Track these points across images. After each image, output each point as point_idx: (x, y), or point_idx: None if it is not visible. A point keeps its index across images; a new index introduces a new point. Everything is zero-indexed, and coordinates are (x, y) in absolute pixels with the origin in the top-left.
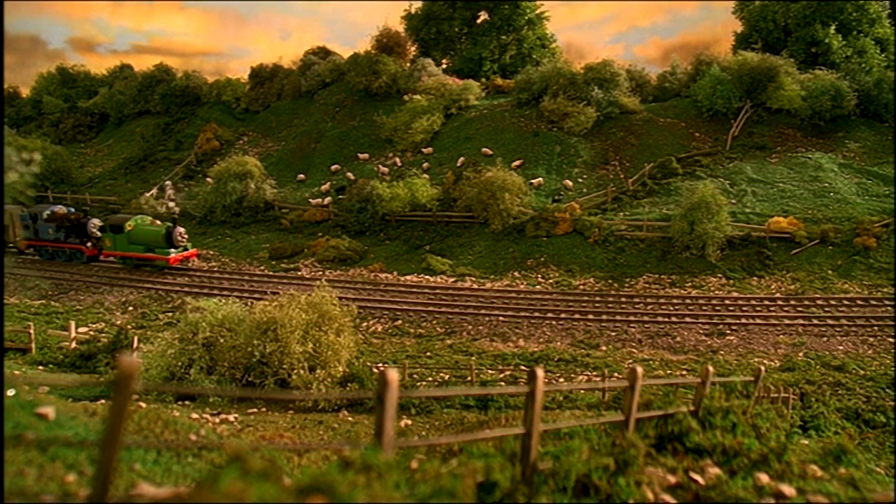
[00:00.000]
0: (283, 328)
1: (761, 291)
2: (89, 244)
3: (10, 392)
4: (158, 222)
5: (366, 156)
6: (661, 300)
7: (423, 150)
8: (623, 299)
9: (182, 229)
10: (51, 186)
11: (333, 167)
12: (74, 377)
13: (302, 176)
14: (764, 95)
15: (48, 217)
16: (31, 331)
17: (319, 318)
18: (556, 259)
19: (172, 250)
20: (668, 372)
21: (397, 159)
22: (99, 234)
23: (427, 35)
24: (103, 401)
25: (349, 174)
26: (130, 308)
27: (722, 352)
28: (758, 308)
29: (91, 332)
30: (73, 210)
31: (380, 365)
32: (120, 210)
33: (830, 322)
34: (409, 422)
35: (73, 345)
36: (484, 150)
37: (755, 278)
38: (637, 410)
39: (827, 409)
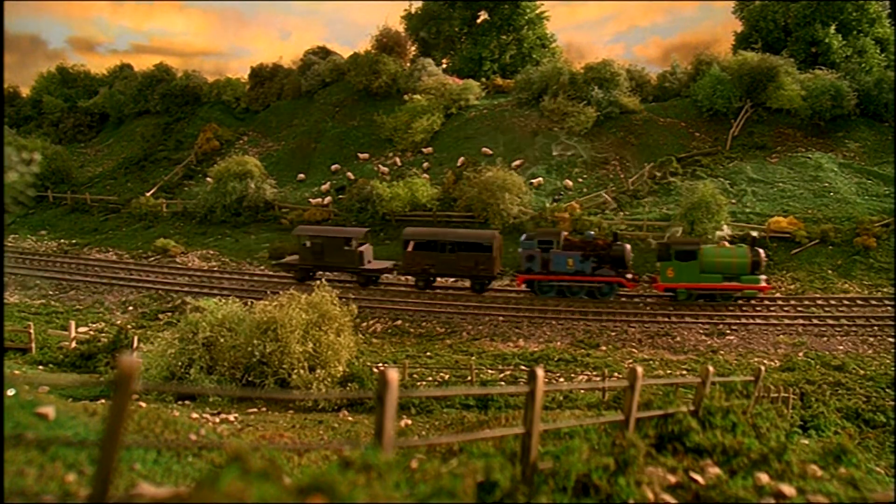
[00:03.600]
0: (283, 328)
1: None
2: (629, 276)
3: (10, 392)
4: (727, 243)
5: (366, 156)
6: (661, 300)
7: (423, 149)
8: (623, 299)
9: (763, 251)
10: (51, 186)
11: (333, 167)
12: (74, 377)
13: (302, 176)
14: (764, 95)
15: (567, 244)
16: (31, 331)
17: (319, 318)
18: None
19: (762, 277)
20: (668, 372)
21: (397, 159)
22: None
23: (427, 35)
24: (103, 401)
25: (349, 174)
26: (130, 308)
27: (722, 352)
28: (758, 308)
29: (91, 332)
30: (591, 234)
31: (380, 365)
32: (120, 209)
33: (830, 322)
34: (409, 421)
35: (73, 345)
36: (484, 149)
37: None
38: (637, 410)
39: (827, 408)
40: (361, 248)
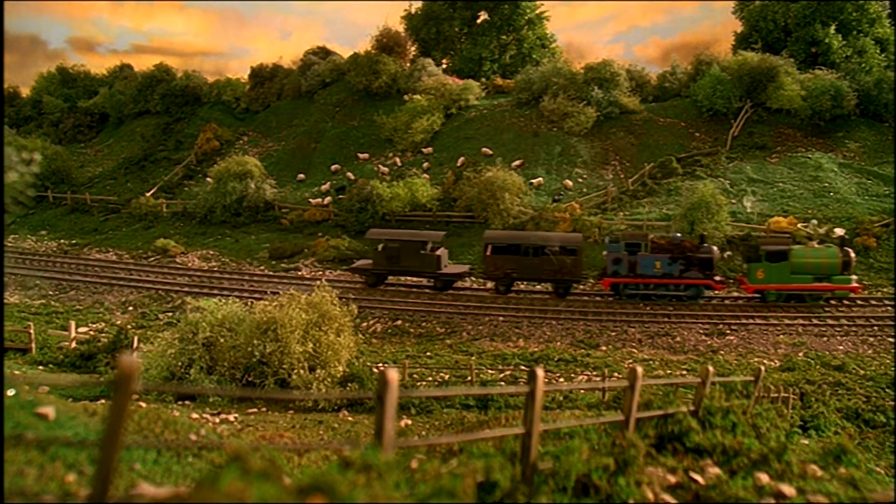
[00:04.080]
0: (283, 328)
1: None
2: (717, 278)
3: (10, 392)
4: (815, 244)
5: (366, 156)
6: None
7: (423, 150)
8: (623, 299)
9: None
10: (51, 186)
11: (333, 167)
12: (74, 377)
13: (302, 176)
14: (764, 95)
15: (654, 247)
16: (31, 331)
17: (319, 318)
18: None
19: (853, 277)
20: (668, 372)
21: (397, 159)
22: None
23: (427, 35)
24: (103, 401)
25: (349, 174)
26: (130, 308)
27: (722, 352)
28: (758, 308)
29: (91, 332)
30: (678, 236)
31: (380, 365)
32: (120, 209)
33: (830, 322)
34: (409, 422)
35: (73, 345)
36: (484, 150)
37: None
38: (637, 410)
39: (827, 409)
40: (439, 252)
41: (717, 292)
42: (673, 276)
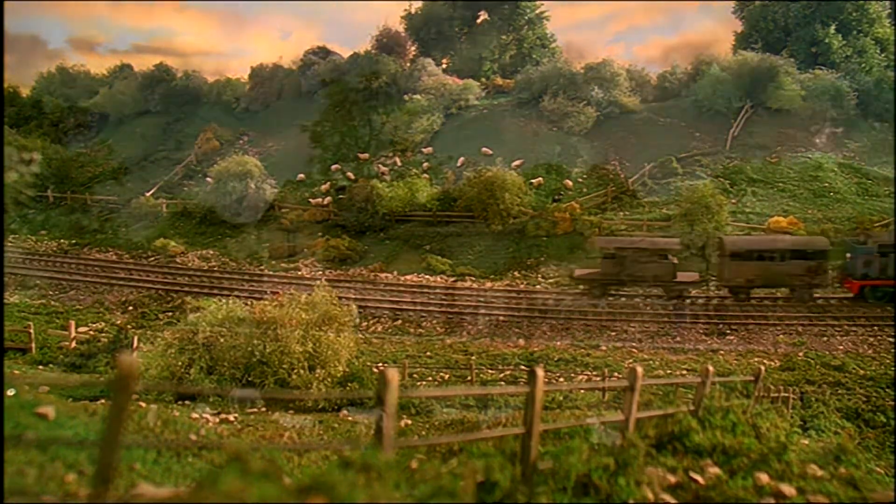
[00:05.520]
0: (283, 328)
1: (761, 291)
2: None
3: (10, 392)
4: None
5: (366, 156)
6: (662, 300)
7: (423, 150)
8: (623, 299)
9: None
10: (51, 186)
11: (333, 167)
12: (75, 377)
13: (302, 176)
14: (764, 95)
15: None
16: (31, 331)
17: (319, 318)
18: (557, 259)
19: None
20: (668, 372)
21: (397, 159)
22: None
23: (427, 35)
24: (103, 401)
25: (349, 174)
26: (130, 308)
27: (722, 352)
28: (758, 308)
29: (91, 332)
30: None
31: (380, 365)
32: (120, 209)
33: (830, 322)
34: (409, 422)
35: (73, 345)
36: (484, 149)
37: None
38: (637, 410)
39: (827, 409)
40: (674, 260)
41: None
42: None
